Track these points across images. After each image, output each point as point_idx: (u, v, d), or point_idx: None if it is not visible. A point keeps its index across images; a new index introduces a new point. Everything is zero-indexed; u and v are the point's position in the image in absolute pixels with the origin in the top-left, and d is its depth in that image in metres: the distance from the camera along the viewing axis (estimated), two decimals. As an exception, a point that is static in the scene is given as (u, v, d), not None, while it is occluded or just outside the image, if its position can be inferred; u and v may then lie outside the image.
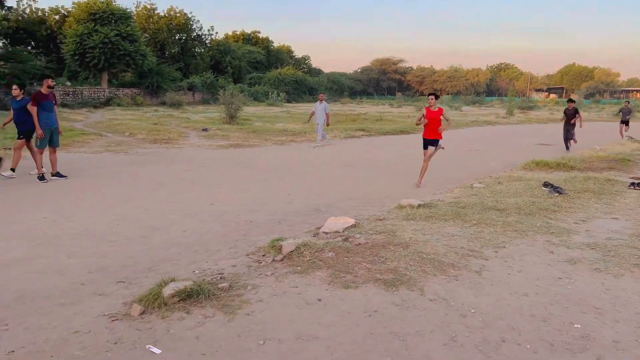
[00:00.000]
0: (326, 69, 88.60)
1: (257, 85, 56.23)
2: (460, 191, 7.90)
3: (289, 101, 54.76)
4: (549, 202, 6.83)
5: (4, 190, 7.63)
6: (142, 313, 3.39)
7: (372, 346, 2.99)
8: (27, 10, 46.03)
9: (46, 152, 8.68)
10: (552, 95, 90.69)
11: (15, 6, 44.28)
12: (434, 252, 4.58)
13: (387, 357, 2.87)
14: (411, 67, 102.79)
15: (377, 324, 3.26)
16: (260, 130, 19.20)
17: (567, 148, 14.79)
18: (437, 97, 8.94)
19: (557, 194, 7.37)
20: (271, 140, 16.57)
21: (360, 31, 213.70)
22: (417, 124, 8.94)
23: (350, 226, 5.47)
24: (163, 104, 37.85)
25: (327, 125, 15.74)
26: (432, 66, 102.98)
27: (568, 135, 14.83)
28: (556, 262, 4.48)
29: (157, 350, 2.91)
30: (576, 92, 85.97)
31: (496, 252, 4.72)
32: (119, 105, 34.76)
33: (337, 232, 5.32)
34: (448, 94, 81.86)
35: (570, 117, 14.73)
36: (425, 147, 8.89)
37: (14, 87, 8.58)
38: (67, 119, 22.93)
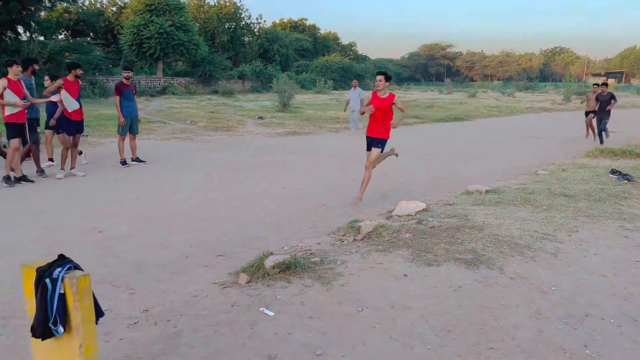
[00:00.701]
0: (373, 56, 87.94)
1: (304, 73, 56.62)
2: (524, 178, 7.97)
3: (335, 88, 54.87)
4: (619, 189, 6.82)
5: (93, 174, 8.31)
6: (249, 282, 3.80)
7: (463, 316, 3.27)
8: (87, 3, 48.13)
9: (127, 138, 9.30)
10: (611, 80, 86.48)
11: (76, -1, 46.41)
12: (509, 235, 4.78)
13: (478, 326, 3.14)
14: (460, 52, 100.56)
15: (463, 298, 3.53)
16: (314, 118, 19.56)
17: (602, 142, 12.62)
18: (388, 79, 6.30)
19: (626, 181, 7.33)
20: (325, 127, 16.90)
21: (408, 16, 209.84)
22: (362, 113, 6.70)
23: (422, 210, 5.72)
24: (215, 92, 38.84)
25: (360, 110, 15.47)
26: (482, 51, 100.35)
27: (602, 126, 12.75)
28: (632, 247, 4.59)
29: (270, 313, 3.30)
30: (637, 77, 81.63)
31: (570, 235, 4.86)
32: (173, 93, 35.95)
33: (409, 215, 5.59)
34: (499, 80, 79.61)
35: (605, 104, 12.73)
36: (368, 149, 6.57)
37: (46, 77, 8.76)
38: (129, 108, 24.05)
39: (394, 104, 6.36)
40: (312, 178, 8.30)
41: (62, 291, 2.06)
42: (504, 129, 17.33)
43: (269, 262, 3.96)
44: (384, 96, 6.33)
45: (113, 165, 9.15)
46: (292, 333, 3.05)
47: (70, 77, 7.98)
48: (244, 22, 59.55)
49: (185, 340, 2.97)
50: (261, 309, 3.35)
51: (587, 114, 13.81)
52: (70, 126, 8.08)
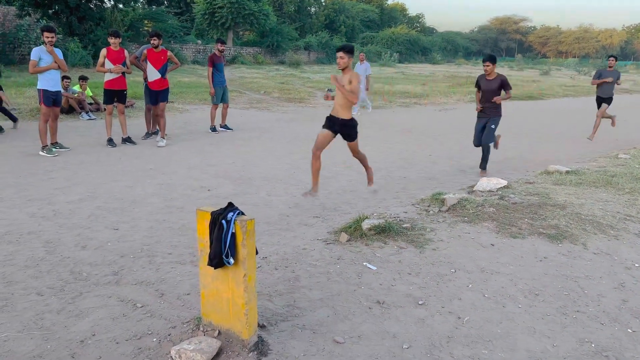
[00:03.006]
0: (441, 29, 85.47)
1: (369, 45, 56.06)
2: (605, 161, 7.95)
3: (400, 62, 54.09)
4: None
5: (187, 139, 9.07)
6: (349, 240, 4.27)
7: (549, 283, 3.59)
8: (162, -28, 49.64)
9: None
10: (703, 61, 79.44)
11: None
12: (591, 214, 4.97)
13: (564, 292, 3.46)
14: (534, 27, 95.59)
15: (549, 267, 3.84)
16: (381, 92, 19.69)
17: (485, 160, 7.23)
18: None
19: None
20: (395, 102, 17.05)
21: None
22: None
23: (503, 187, 5.96)
24: (282, 63, 39.49)
25: (367, 89, 13.42)
26: (558, 26, 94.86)
27: (486, 137, 7.12)
28: None
29: (373, 267, 3.76)
30: None
31: (653, 219, 4.98)
32: (242, 63, 36.87)
33: (491, 191, 5.85)
34: (575, 57, 75.25)
35: (490, 95, 6.94)
36: None
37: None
38: (204, 75, 25.09)
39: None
40: (389, 152, 8.65)
41: (233, 231, 2.59)
42: (581, 110, 16.77)
43: (365, 225, 4.41)
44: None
45: (201, 131, 9.89)
46: (395, 285, 3.50)
47: (153, 48, 8.21)
48: (311, -8, 59.44)
49: (303, 283, 3.49)
50: (364, 263, 3.82)
51: None
52: (150, 96, 8.49)
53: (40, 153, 7.28)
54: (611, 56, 10.43)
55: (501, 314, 3.16)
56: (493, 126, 7.06)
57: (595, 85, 10.42)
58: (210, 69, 9.45)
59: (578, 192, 5.77)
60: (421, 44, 62.12)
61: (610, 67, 10.22)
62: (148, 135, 8.87)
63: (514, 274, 3.72)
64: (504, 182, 6.01)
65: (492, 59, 6.94)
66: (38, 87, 7.23)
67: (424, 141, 9.79)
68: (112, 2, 30.31)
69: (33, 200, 5.24)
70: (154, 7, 42.36)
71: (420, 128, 11.53)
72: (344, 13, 59.93)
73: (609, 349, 2.81)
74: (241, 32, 45.64)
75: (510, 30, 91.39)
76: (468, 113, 15.02)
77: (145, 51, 8.36)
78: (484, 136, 7.13)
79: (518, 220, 4.78)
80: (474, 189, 5.98)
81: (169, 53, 8.42)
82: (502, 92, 6.99)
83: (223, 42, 9.66)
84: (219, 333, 2.78)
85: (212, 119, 9.75)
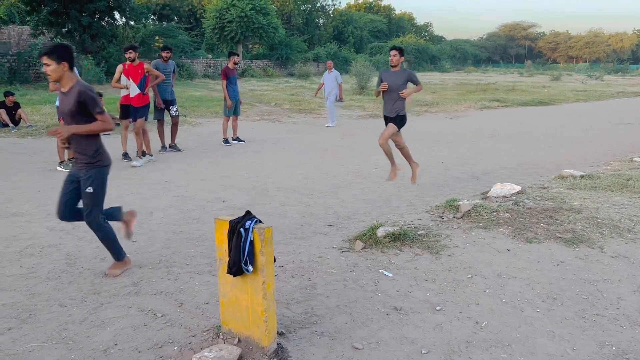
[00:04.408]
0: (449, 37, 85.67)
1: (378, 55, 56.29)
2: (619, 164, 7.89)
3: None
4: None
5: (201, 152, 9.18)
6: (364, 248, 4.29)
7: (567, 287, 3.57)
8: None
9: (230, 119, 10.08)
10: None
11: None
12: (608, 218, 4.93)
13: (583, 296, 3.44)
14: (543, 33, 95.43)
15: (566, 271, 3.82)
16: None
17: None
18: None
19: None
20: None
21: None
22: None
23: (517, 192, 5.94)
24: (291, 75, 39.79)
25: (340, 99, 13.01)
26: (567, 31, 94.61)
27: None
28: None
29: (389, 274, 3.77)
30: None
31: (671, 221, 4.93)
32: (252, 76, 37.21)
33: (505, 197, 5.84)
34: (585, 62, 74.81)
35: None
36: None
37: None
38: (214, 89, 25.38)
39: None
40: (400, 159, 8.64)
41: (251, 239, 2.63)
42: (593, 114, 16.67)
43: (380, 232, 4.43)
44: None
45: (214, 143, 10.00)
46: (411, 291, 3.51)
47: (131, 62, 7.92)
48: (319, 4, 59.98)
49: (320, 291, 3.52)
50: (380, 270, 3.83)
51: None
52: (124, 110, 8.17)
53: (58, 168, 7.41)
54: (393, 48, 6.18)
55: (519, 318, 3.16)
56: (91, 189, 3.57)
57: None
58: (224, 81, 9.57)
59: (593, 196, 5.73)
60: (430, 53, 62.26)
61: (393, 66, 6.12)
62: (164, 148, 8.98)
63: (531, 278, 3.71)
64: (517, 188, 5.99)
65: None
66: (57, 104, 7.38)
67: (435, 148, 9.79)
68: (124, 20, 30.89)
69: (52, 214, 5.31)
70: (164, 23, 43.17)
71: (431, 135, 11.53)
72: (352, 24, 60.36)
73: (629, 352, 2.79)
74: (250, 46, 46.16)
75: (519, 37, 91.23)
76: (479, 120, 15.01)
77: (120, 66, 7.98)
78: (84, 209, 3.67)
79: (533, 225, 4.76)
80: (487, 195, 5.97)
81: (146, 66, 8.05)
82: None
83: (237, 55, 9.78)
84: (239, 341, 2.81)
85: (224, 131, 9.85)
